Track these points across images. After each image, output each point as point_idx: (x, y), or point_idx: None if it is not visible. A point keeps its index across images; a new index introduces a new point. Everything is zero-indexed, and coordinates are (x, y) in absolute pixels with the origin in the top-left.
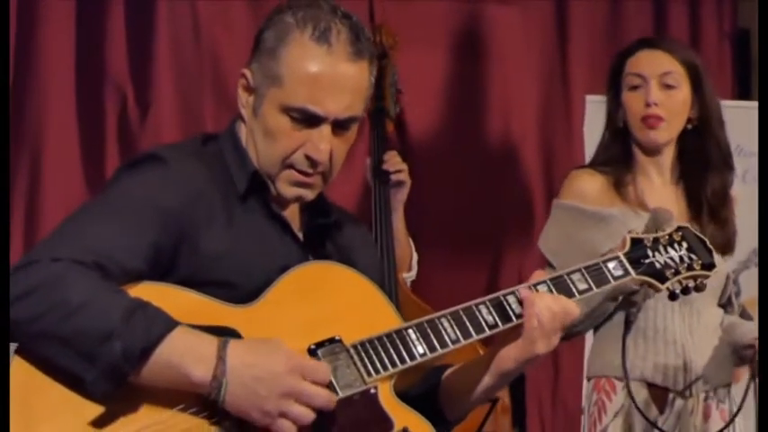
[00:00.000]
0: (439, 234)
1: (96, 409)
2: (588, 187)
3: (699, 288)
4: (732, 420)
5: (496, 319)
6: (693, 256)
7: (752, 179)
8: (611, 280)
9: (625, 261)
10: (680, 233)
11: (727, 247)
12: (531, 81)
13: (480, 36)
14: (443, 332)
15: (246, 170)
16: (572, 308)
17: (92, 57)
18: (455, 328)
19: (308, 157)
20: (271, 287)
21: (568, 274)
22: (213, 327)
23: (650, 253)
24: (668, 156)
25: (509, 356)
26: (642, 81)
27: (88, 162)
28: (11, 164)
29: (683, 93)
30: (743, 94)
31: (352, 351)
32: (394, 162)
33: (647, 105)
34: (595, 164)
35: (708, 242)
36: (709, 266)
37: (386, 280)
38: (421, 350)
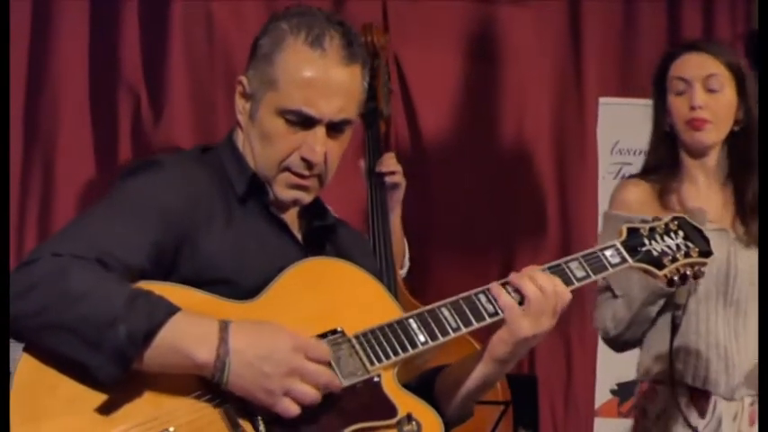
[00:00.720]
0: (451, 236)
1: (104, 404)
2: (632, 197)
3: (697, 275)
4: None
5: (496, 307)
6: (690, 244)
7: None
8: (609, 267)
9: (622, 249)
10: (676, 222)
11: None
12: (545, 83)
13: (493, 38)
14: (444, 321)
15: (245, 174)
16: (563, 290)
17: (105, 59)
18: (455, 316)
19: (303, 159)
20: (272, 283)
21: (566, 262)
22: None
23: (647, 241)
24: (714, 158)
25: (499, 339)
26: (686, 85)
27: (102, 164)
28: (25, 166)
29: (728, 96)
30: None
31: (354, 341)
32: (388, 164)
33: (692, 109)
34: (645, 171)
35: (704, 231)
36: (707, 254)
37: (384, 279)
38: (422, 339)
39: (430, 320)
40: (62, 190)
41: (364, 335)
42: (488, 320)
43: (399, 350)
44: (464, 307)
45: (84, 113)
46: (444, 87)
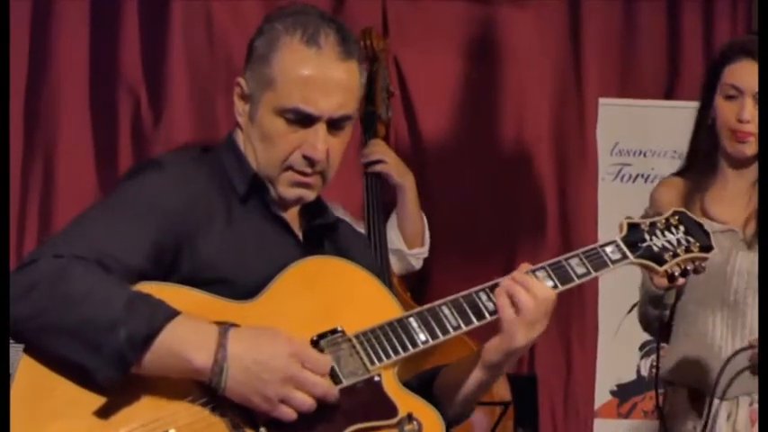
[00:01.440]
0: (451, 236)
1: (103, 408)
2: (663, 197)
3: (697, 270)
4: None
5: (497, 305)
6: (691, 239)
7: None
8: (610, 264)
9: (622, 245)
10: (677, 217)
11: None
12: (544, 84)
13: (493, 39)
14: (444, 319)
15: (246, 174)
16: (551, 294)
17: (105, 60)
18: (456, 315)
19: (305, 157)
20: (272, 283)
21: (566, 259)
22: (215, 323)
23: (647, 237)
24: (754, 168)
25: (493, 347)
26: (738, 93)
27: (102, 165)
28: (24, 167)
29: None
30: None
31: (354, 341)
32: (371, 151)
33: (740, 121)
34: (685, 168)
35: (705, 225)
36: (707, 249)
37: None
38: (423, 338)
39: (430, 319)
40: (62, 190)
41: (364, 334)
42: (489, 318)
43: (400, 349)
44: (464, 305)
45: (84, 114)
46: (444, 88)
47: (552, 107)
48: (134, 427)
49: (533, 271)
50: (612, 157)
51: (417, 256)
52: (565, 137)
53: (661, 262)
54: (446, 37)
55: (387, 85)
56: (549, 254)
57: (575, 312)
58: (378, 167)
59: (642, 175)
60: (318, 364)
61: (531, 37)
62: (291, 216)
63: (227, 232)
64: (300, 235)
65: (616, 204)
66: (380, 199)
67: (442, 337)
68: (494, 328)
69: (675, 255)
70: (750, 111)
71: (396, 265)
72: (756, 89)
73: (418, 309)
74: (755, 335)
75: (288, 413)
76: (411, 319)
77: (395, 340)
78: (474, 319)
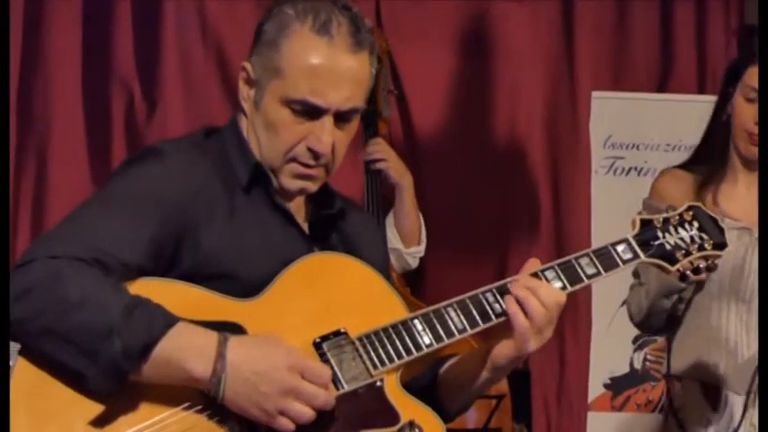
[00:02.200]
0: (445, 232)
1: (100, 410)
2: (670, 188)
3: (710, 268)
4: None
5: (503, 306)
6: (705, 236)
7: None
8: (620, 263)
9: (634, 243)
10: (691, 212)
11: None
12: (538, 78)
13: (487, 33)
14: (450, 321)
15: (248, 162)
16: (561, 297)
17: (98, 54)
18: (462, 317)
19: (310, 150)
20: (275, 280)
21: (576, 258)
22: (217, 322)
23: (660, 234)
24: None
25: (503, 354)
26: (757, 96)
27: (95, 159)
28: (17, 161)
29: None
30: None
31: (357, 344)
32: (373, 150)
33: (757, 124)
34: (691, 160)
35: (720, 221)
36: (721, 246)
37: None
38: (427, 340)
39: (435, 321)
40: (55, 185)
41: (368, 337)
42: (495, 321)
43: (403, 353)
44: (470, 307)
45: (77, 109)
46: (438, 83)
47: (545, 101)
48: (132, 430)
49: (542, 271)
50: (606, 151)
51: (414, 254)
52: (558, 130)
53: (673, 261)
54: (440, 33)
55: (388, 84)
56: (543, 246)
57: (568, 306)
58: (379, 165)
59: (635, 168)
60: (318, 375)
61: (525, 32)
62: (297, 205)
63: (229, 225)
64: (306, 226)
65: (609, 197)
66: (380, 196)
67: (446, 341)
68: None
69: (688, 253)
70: None
71: (393, 264)
72: None
73: (423, 310)
74: None
75: (286, 425)
76: (416, 321)
77: (398, 343)
78: (480, 322)
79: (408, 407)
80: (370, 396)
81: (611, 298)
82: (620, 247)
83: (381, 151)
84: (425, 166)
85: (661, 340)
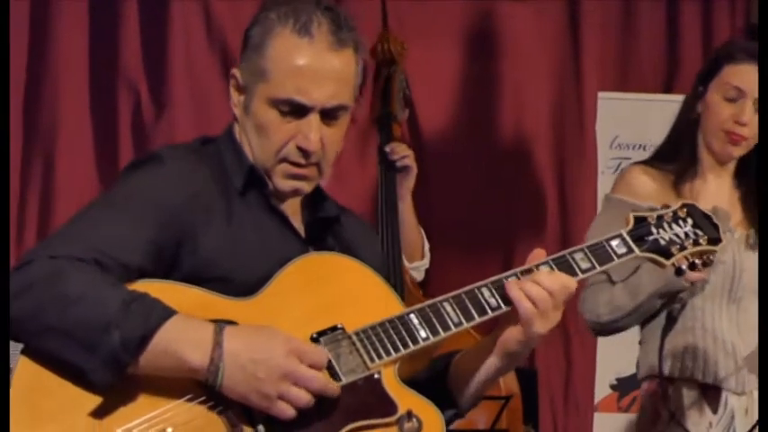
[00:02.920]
0: (451, 231)
1: (102, 406)
2: (641, 183)
3: (706, 263)
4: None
5: (499, 300)
6: (699, 232)
7: None
8: (615, 258)
9: (628, 238)
10: (685, 209)
11: None
12: (544, 78)
13: (493, 33)
14: (446, 315)
15: (243, 166)
16: (569, 282)
17: (105, 55)
18: (457, 311)
19: (299, 149)
20: (272, 279)
21: (571, 253)
22: (214, 320)
23: (654, 230)
24: (733, 163)
25: (512, 338)
26: (739, 95)
27: (102, 161)
28: (24, 163)
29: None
30: None
31: (354, 338)
32: (399, 150)
33: (738, 123)
34: (657, 159)
35: (714, 218)
36: (716, 241)
37: (391, 271)
38: (424, 334)
39: (431, 315)
40: (62, 185)
41: (364, 331)
42: (491, 314)
43: (400, 346)
44: (466, 301)
45: (84, 109)
46: (444, 83)
47: (552, 101)
48: (132, 426)
49: (537, 266)
50: (612, 151)
51: (418, 268)
52: (564, 131)
53: (668, 255)
54: (446, 32)
55: (404, 87)
56: (549, 247)
57: (574, 307)
58: (406, 161)
59: None
60: (315, 357)
61: (531, 31)
62: (293, 209)
63: (227, 229)
64: (302, 229)
65: None
66: (395, 197)
67: (443, 334)
68: (496, 321)
69: (683, 248)
70: (750, 114)
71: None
72: (757, 94)
73: (419, 305)
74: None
75: (286, 410)
76: (412, 316)
77: (395, 337)
78: (476, 316)
79: (406, 398)
80: (367, 388)
81: None
82: (614, 242)
83: (405, 150)
84: (431, 165)
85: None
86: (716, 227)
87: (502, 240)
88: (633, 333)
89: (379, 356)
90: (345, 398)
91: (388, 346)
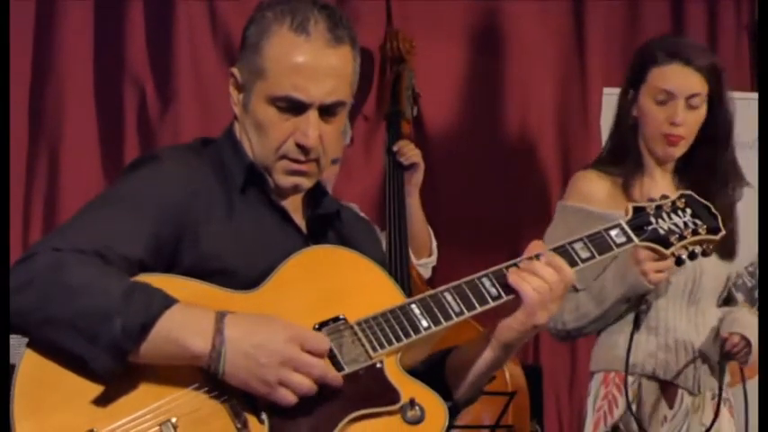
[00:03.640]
0: (456, 228)
1: (105, 398)
2: (594, 189)
3: (706, 253)
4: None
5: (499, 290)
6: (698, 222)
7: None
8: (614, 247)
9: (627, 228)
10: (683, 200)
11: (729, 255)
12: (549, 74)
13: (498, 30)
14: (447, 305)
15: (243, 164)
16: (568, 274)
17: (111, 51)
18: (458, 300)
19: (298, 145)
20: (274, 272)
21: (570, 243)
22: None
23: (653, 219)
24: (673, 161)
25: (510, 326)
26: (669, 97)
27: (107, 157)
28: (29, 159)
29: (703, 110)
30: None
31: (356, 328)
32: (407, 149)
33: (673, 125)
34: (603, 163)
35: (713, 207)
36: (715, 231)
37: (398, 267)
38: (425, 324)
39: (432, 305)
40: (68, 182)
41: (366, 321)
42: (492, 304)
43: (402, 336)
44: (467, 291)
45: (89, 105)
46: (449, 79)
47: (556, 97)
48: (137, 416)
49: (537, 256)
50: None
51: (425, 265)
52: (569, 126)
53: (667, 245)
54: (451, 28)
55: (412, 85)
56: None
57: None
58: (413, 159)
59: None
60: (316, 343)
61: (536, 27)
62: (294, 205)
63: (228, 224)
64: (303, 225)
65: None
66: (403, 193)
67: (444, 324)
68: (496, 312)
69: (682, 237)
70: (683, 114)
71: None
72: (688, 93)
73: (420, 295)
74: (713, 331)
75: (287, 396)
76: (413, 306)
77: (397, 327)
78: (477, 305)
79: (409, 386)
80: (370, 377)
81: None
82: (613, 232)
83: (413, 148)
84: (437, 163)
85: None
86: (715, 216)
87: (507, 236)
88: None
89: (382, 346)
90: (348, 387)
91: (390, 335)
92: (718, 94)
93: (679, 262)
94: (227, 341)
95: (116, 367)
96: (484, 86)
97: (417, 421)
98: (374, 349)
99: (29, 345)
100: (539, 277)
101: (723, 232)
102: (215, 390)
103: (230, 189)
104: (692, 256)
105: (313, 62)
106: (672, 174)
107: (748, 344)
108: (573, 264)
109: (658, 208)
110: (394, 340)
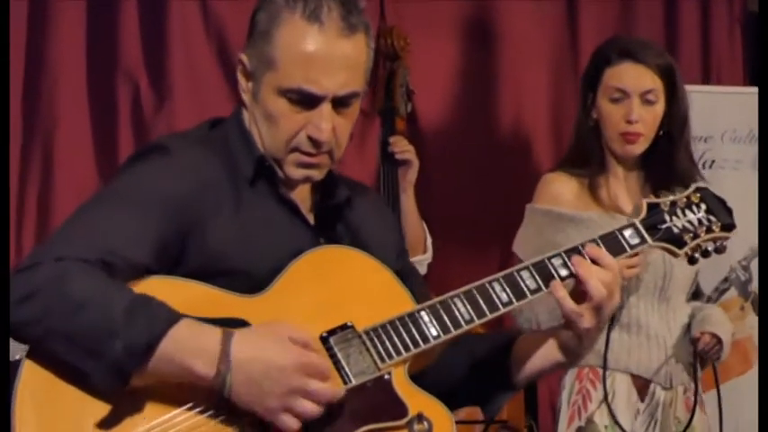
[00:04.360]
0: (451, 223)
1: (109, 409)
2: (563, 191)
3: (719, 250)
4: (691, 420)
5: (510, 296)
6: (712, 218)
7: None
8: (628, 249)
9: (641, 228)
10: (698, 194)
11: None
12: (542, 70)
13: (491, 26)
14: (457, 312)
15: (252, 155)
16: (617, 267)
17: (104, 48)
18: (468, 307)
19: (310, 138)
20: (281, 274)
21: (583, 245)
22: (223, 319)
23: (667, 217)
24: (635, 160)
25: (569, 336)
26: (623, 95)
27: (101, 153)
28: (23, 156)
29: (660, 106)
30: (754, 80)
31: (364, 337)
32: (400, 144)
33: (629, 122)
34: (568, 165)
35: (727, 202)
36: (729, 227)
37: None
38: (434, 332)
39: (442, 312)
40: (61, 180)
41: (374, 330)
42: (503, 310)
43: (411, 345)
44: (477, 296)
45: (83, 102)
46: (442, 76)
47: (550, 94)
48: (140, 429)
49: (549, 258)
50: None
51: (421, 263)
52: (562, 124)
53: (681, 245)
54: (444, 24)
55: (406, 82)
56: None
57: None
58: (406, 155)
59: None
60: (322, 370)
61: (530, 25)
62: (302, 195)
63: (235, 220)
64: (311, 217)
65: None
66: (396, 189)
67: (454, 332)
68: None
69: (696, 236)
70: (638, 111)
71: None
72: (641, 89)
73: (430, 302)
74: (683, 327)
75: (291, 424)
76: (422, 313)
77: (405, 336)
78: (487, 312)
79: (417, 399)
80: (377, 389)
81: None
82: (627, 232)
83: (406, 144)
84: (429, 157)
85: None
86: (729, 211)
87: (500, 232)
88: None
89: (390, 356)
90: (355, 400)
91: (399, 345)
92: (671, 90)
93: (692, 261)
94: (232, 365)
95: (118, 387)
96: (478, 84)
97: None
98: (382, 360)
99: (29, 355)
100: (597, 281)
101: (736, 228)
102: (220, 405)
103: (238, 180)
104: (705, 254)
105: (326, 53)
106: (637, 172)
107: (720, 341)
108: None
109: (673, 204)
110: (402, 350)
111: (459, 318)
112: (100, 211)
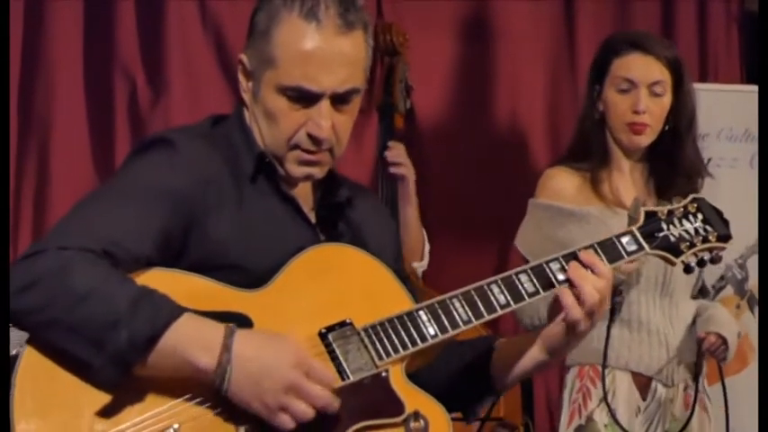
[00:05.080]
0: (448, 221)
1: (108, 397)
2: (565, 186)
3: (714, 260)
4: (689, 419)
5: (508, 298)
6: (709, 228)
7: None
8: (625, 255)
9: (639, 236)
10: (695, 204)
11: None
12: (540, 69)
13: (488, 23)
14: (455, 313)
15: (253, 152)
16: (610, 274)
17: (101, 43)
18: (466, 308)
19: (310, 136)
20: (281, 271)
21: (580, 250)
22: (224, 312)
23: (665, 226)
24: (641, 153)
25: (555, 334)
26: (631, 86)
27: (97, 148)
28: (19, 151)
29: (667, 98)
30: (751, 78)
31: (363, 334)
32: (394, 154)
33: (636, 113)
34: (571, 159)
35: (723, 213)
36: (725, 238)
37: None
38: (432, 331)
39: (440, 312)
40: (57, 174)
41: (373, 327)
42: (500, 312)
43: (409, 344)
44: (475, 298)
45: (79, 98)
46: (439, 72)
47: (548, 91)
48: (138, 420)
49: (547, 263)
50: None
51: (417, 269)
52: (559, 121)
53: (677, 253)
54: (441, 21)
55: (405, 78)
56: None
57: None
58: (399, 170)
59: None
60: (323, 376)
61: (528, 21)
62: (304, 193)
63: (237, 215)
64: (312, 215)
65: None
66: (395, 196)
67: (451, 332)
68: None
69: (692, 245)
70: (645, 101)
71: None
72: (649, 80)
73: (428, 302)
74: (687, 324)
75: (286, 422)
76: (421, 313)
77: (403, 334)
78: (485, 313)
79: (413, 397)
80: (375, 386)
81: None
82: (624, 239)
83: (401, 156)
84: (427, 155)
85: None
86: (726, 223)
87: (498, 230)
88: None
89: (388, 354)
90: (352, 397)
91: (397, 343)
92: (679, 84)
93: (688, 270)
94: (233, 360)
95: (119, 378)
96: (475, 82)
97: None
98: (380, 357)
99: (29, 342)
100: (592, 286)
101: (732, 239)
102: (219, 398)
103: (240, 177)
104: (701, 263)
105: (324, 51)
106: (642, 165)
107: (725, 342)
108: None
109: (670, 213)
110: (400, 348)
111: (458, 318)
112: (104, 203)
